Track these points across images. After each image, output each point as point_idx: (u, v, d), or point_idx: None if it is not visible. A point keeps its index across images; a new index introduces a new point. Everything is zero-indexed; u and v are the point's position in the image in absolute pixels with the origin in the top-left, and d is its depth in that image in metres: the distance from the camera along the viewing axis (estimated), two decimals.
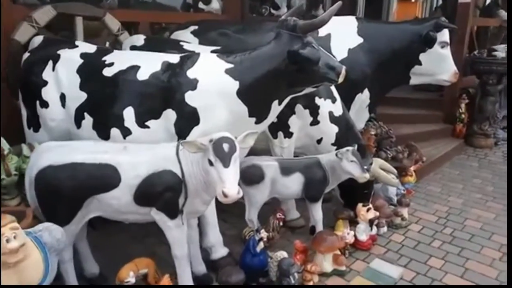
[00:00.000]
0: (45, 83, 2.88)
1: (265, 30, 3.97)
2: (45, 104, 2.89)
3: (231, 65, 2.65)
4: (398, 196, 4.04)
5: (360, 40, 3.88)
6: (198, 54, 2.76)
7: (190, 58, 2.72)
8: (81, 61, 2.85)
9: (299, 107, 3.27)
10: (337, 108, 3.42)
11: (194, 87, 2.61)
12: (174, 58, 2.75)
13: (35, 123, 2.99)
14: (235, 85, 2.61)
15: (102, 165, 2.32)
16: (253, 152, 3.70)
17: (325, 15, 2.55)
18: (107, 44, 3.97)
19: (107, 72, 2.75)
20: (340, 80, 2.75)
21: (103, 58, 2.84)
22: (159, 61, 2.73)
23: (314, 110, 3.32)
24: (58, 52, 2.90)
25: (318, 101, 3.31)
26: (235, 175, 2.17)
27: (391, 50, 3.91)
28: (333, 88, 3.42)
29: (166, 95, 2.65)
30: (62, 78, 2.84)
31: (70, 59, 2.86)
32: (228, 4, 5.11)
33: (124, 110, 2.68)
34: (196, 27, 4.10)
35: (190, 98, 2.62)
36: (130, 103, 2.68)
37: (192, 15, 4.71)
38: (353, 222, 3.41)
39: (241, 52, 2.73)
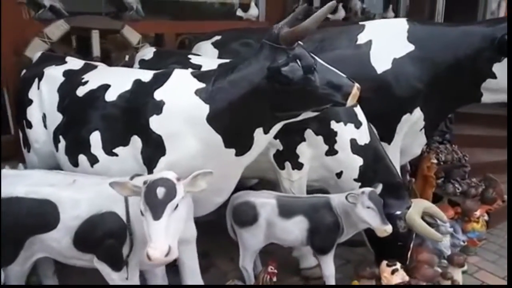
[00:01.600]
0: (30, 102, 2.74)
1: None
2: (29, 125, 2.74)
3: (202, 85, 2.17)
4: (456, 247, 3.13)
5: (410, 47, 3.07)
6: (172, 71, 2.34)
7: (162, 76, 2.32)
8: (63, 79, 2.64)
9: (309, 133, 2.65)
10: (362, 135, 2.71)
11: (159, 111, 2.20)
12: (147, 76, 2.37)
13: (27, 144, 2.87)
14: (204, 109, 2.13)
15: (43, 201, 2.03)
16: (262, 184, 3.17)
17: (309, 20, 1.95)
18: (126, 58, 3.78)
19: (80, 91, 2.49)
20: (350, 102, 2.11)
21: (82, 76, 2.59)
22: (131, 80, 2.37)
23: (330, 137, 2.67)
24: (44, 69, 2.73)
25: (334, 125, 2.64)
26: (167, 231, 1.69)
27: (453, 59, 3.02)
28: (358, 109, 2.72)
29: (131, 119, 2.28)
30: (45, 97, 2.66)
31: (53, 77, 2.67)
32: (270, 10, 4.62)
33: (91, 135, 2.37)
34: (219, 37, 3.70)
35: (155, 123, 2.21)
36: (97, 127, 2.37)
37: (226, 24, 4.33)
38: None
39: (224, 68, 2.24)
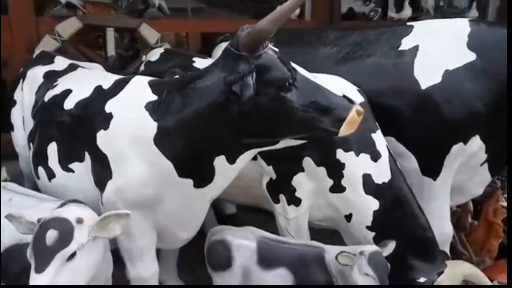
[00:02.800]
0: (14, 103, 2.56)
1: (327, 42, 2.85)
2: (12, 127, 2.57)
3: (154, 98, 1.74)
4: None
5: (470, 56, 2.31)
6: (130, 78, 1.94)
7: (119, 84, 1.93)
8: (42, 80, 2.40)
9: (308, 162, 2.07)
10: (380, 171, 2.06)
11: (107, 126, 1.82)
12: (108, 82, 2.00)
13: None
14: (151, 127, 1.70)
15: None
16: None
17: (264, 20, 1.44)
18: (143, 58, 3.51)
19: (47, 96, 2.22)
20: (344, 131, 1.54)
21: (57, 78, 2.32)
22: (92, 86, 2.03)
23: (335, 170, 2.06)
24: (29, 69, 2.53)
25: (342, 155, 2.03)
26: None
27: None
28: (377, 134, 2.07)
29: (84, 132, 1.93)
30: (25, 99, 2.45)
31: (34, 78, 2.45)
32: (317, 7, 4.03)
33: (48, 146, 2.08)
34: None
35: (101, 140, 1.84)
36: (53, 138, 2.07)
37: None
38: None
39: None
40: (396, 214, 2.05)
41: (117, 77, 2.03)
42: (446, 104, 2.28)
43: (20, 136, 2.51)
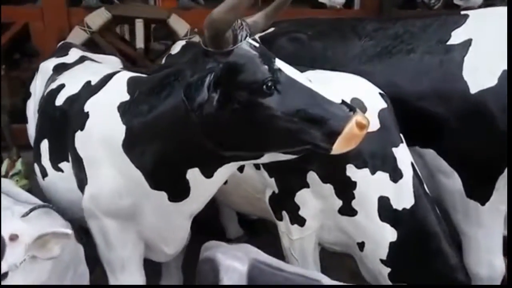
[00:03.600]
0: (29, 95, 2.54)
1: (363, 35, 2.48)
2: (26, 119, 2.55)
3: (127, 97, 1.54)
4: None
5: None
6: (116, 73, 1.76)
7: (104, 79, 1.77)
8: (51, 73, 2.34)
9: (313, 177, 1.75)
10: (401, 194, 1.68)
11: (83, 126, 1.67)
12: (97, 76, 1.85)
13: None
14: (121, 132, 1.51)
15: None
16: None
17: (220, 8, 1.15)
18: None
19: (47, 90, 2.14)
20: (339, 149, 1.25)
21: (63, 71, 2.23)
22: (83, 81, 1.89)
23: (345, 188, 1.72)
24: (44, 61, 2.48)
25: (353, 172, 1.68)
26: None
27: None
28: (400, 149, 1.69)
29: (67, 131, 1.80)
30: (37, 92, 2.41)
31: (45, 70, 2.39)
32: None
33: (41, 143, 2.00)
34: (271, 29, 2.94)
35: (78, 141, 1.70)
36: (45, 135, 1.98)
37: (298, 11, 3.48)
38: None
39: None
40: (418, 249, 1.67)
41: (108, 72, 1.87)
42: (501, 112, 1.82)
43: (31, 128, 2.48)
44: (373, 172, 1.67)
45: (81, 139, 1.66)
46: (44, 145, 1.97)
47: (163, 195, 1.55)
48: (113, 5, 3.20)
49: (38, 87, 2.39)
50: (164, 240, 1.77)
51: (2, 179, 2.09)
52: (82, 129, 1.66)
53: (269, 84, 1.25)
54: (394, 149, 1.68)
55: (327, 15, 3.54)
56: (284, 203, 1.88)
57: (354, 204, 1.71)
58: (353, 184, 1.69)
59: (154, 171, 1.49)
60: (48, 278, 1.35)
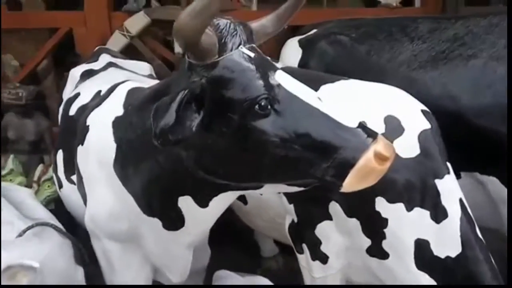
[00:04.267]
0: (61, 102, 2.53)
1: (416, 36, 2.17)
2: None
3: (122, 111, 1.39)
4: None
5: None
6: (121, 83, 1.62)
7: (109, 90, 1.64)
8: (78, 80, 2.29)
9: (336, 209, 1.47)
10: (445, 239, 1.35)
11: (83, 141, 1.55)
12: (107, 85, 1.73)
13: None
14: (112, 150, 1.36)
15: None
16: None
17: (183, 15, 0.93)
18: None
19: (66, 98, 2.08)
20: (351, 187, 1.00)
21: (87, 79, 2.17)
22: (96, 90, 1.79)
23: (373, 226, 1.42)
24: (75, 67, 2.45)
25: (383, 206, 1.38)
26: None
27: None
28: (445, 181, 1.36)
29: (74, 144, 1.71)
30: (66, 98, 2.39)
31: (73, 77, 2.35)
32: None
33: (58, 153, 1.94)
34: (313, 31, 2.67)
35: (79, 156, 1.60)
36: (61, 146, 1.92)
37: (344, 12, 3.15)
38: None
39: None
40: None
41: (117, 81, 1.74)
42: None
43: None
44: (409, 209, 1.36)
45: (81, 154, 1.56)
46: (60, 156, 1.91)
47: (158, 222, 1.38)
48: (153, 9, 3.14)
49: (67, 94, 2.37)
50: (167, 268, 1.61)
51: (22, 188, 2.08)
52: (82, 144, 1.55)
53: (263, 103, 1.01)
54: (437, 181, 1.35)
55: (381, 14, 3.17)
56: (304, 234, 1.62)
57: (385, 245, 1.41)
58: (384, 221, 1.39)
59: (144, 197, 1.32)
60: None
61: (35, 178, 2.56)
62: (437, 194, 1.35)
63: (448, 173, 1.37)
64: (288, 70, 2.06)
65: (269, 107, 1.02)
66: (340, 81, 1.68)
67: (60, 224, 1.83)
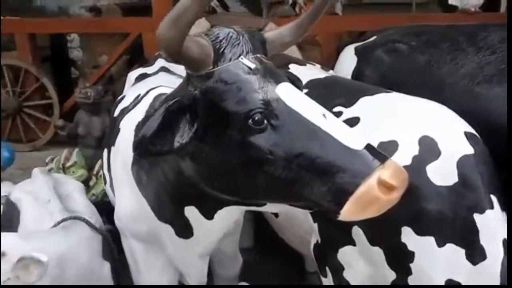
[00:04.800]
0: None
1: (484, 46, 1.95)
2: None
3: (142, 116, 1.42)
4: None
5: None
6: (154, 88, 1.65)
7: (144, 95, 1.68)
8: (133, 83, 2.41)
9: (359, 235, 1.34)
10: (482, 282, 1.14)
11: (114, 142, 1.62)
12: (147, 89, 1.78)
13: None
14: (131, 153, 1.38)
15: None
16: None
17: (161, 24, 0.88)
18: None
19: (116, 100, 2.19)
20: (350, 216, 0.93)
21: (139, 82, 2.27)
22: (137, 93, 1.86)
23: (397, 258, 1.27)
24: (132, 71, 2.58)
25: (410, 238, 1.23)
26: None
27: None
28: (487, 217, 1.16)
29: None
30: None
31: (130, 80, 2.48)
32: None
33: (104, 152, 2.05)
34: (373, 38, 2.51)
35: (111, 157, 1.66)
36: (106, 144, 2.02)
37: (416, 17, 2.88)
38: None
39: None
40: None
41: (156, 86, 1.79)
42: None
43: None
44: (440, 244, 1.19)
45: (112, 155, 1.62)
46: (105, 154, 2.01)
47: (170, 229, 1.38)
48: (213, 15, 3.20)
49: (131, 95, 2.50)
50: (185, 273, 1.61)
51: (72, 181, 2.23)
52: (113, 145, 1.61)
53: (257, 118, 0.95)
54: (476, 216, 1.16)
55: (457, 20, 2.86)
56: (327, 257, 1.51)
57: (412, 281, 1.25)
58: (410, 255, 1.23)
59: (155, 202, 1.33)
60: None
61: (95, 172, 2.76)
62: (476, 231, 1.16)
63: (492, 208, 1.17)
64: (330, 79, 1.97)
65: (265, 122, 0.96)
66: (380, 94, 1.54)
67: (100, 219, 1.94)
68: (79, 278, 1.47)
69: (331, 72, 2.30)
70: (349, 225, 1.36)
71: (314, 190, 0.93)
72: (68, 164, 2.73)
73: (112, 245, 1.74)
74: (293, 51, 3.12)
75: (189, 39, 0.96)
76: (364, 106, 1.51)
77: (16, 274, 1.22)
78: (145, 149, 0.96)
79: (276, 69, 1.09)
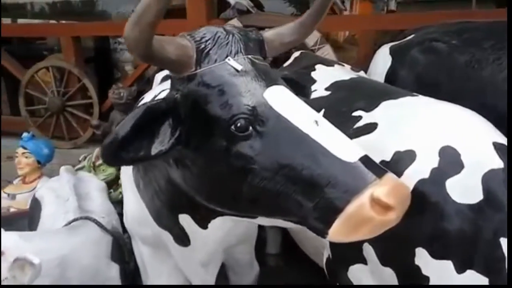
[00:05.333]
0: None
1: None
2: None
3: None
4: None
5: None
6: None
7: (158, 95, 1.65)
8: (159, 83, 2.41)
9: (370, 253, 1.21)
10: None
11: None
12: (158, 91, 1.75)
13: None
14: None
15: None
16: None
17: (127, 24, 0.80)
18: None
19: None
20: (338, 236, 0.85)
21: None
22: (153, 94, 1.84)
23: (410, 281, 1.13)
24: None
25: (424, 261, 1.09)
26: None
27: None
28: None
29: None
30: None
31: (156, 80, 2.48)
32: None
33: None
34: (411, 36, 2.33)
35: None
36: None
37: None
38: None
39: None
40: None
41: None
42: None
43: None
44: (459, 270, 1.03)
45: None
46: None
47: (169, 236, 1.33)
48: (246, 16, 3.14)
49: (148, 97, 2.51)
50: (190, 281, 1.56)
51: (94, 179, 2.26)
52: None
53: (239, 124, 0.87)
54: (503, 241, 1.00)
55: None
56: (337, 274, 1.39)
57: None
58: (424, 280, 1.08)
59: (152, 208, 1.28)
60: None
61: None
62: (501, 257, 0.99)
63: None
64: (355, 80, 1.83)
65: (250, 128, 0.87)
66: (404, 98, 1.40)
67: (117, 219, 1.95)
68: (82, 279, 1.47)
69: (361, 73, 2.16)
70: (359, 242, 1.23)
71: (301, 206, 0.83)
72: (98, 163, 2.79)
73: (124, 247, 1.73)
74: (327, 51, 3.00)
75: (165, 40, 0.90)
76: (385, 111, 1.37)
77: (13, 274, 1.23)
78: (114, 153, 0.89)
79: (271, 71, 1.00)
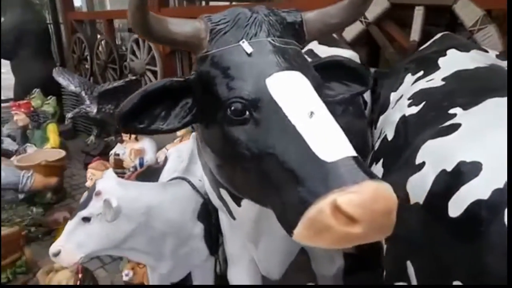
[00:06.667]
0: None
1: None
2: None
3: None
4: None
5: None
6: None
7: None
8: None
9: (411, 275, 1.04)
10: None
11: None
12: None
13: None
14: None
15: None
16: None
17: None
18: None
19: None
20: (303, 238, 0.85)
21: None
22: None
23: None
24: None
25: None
26: (69, 235, 1.52)
27: None
28: None
29: None
30: None
31: None
32: None
33: None
34: None
35: None
36: None
37: None
38: None
39: None
40: None
41: None
42: None
43: None
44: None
45: None
46: None
47: (223, 207, 1.40)
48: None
49: None
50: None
51: None
52: None
53: (234, 108, 0.85)
54: None
55: None
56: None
57: None
58: None
59: (209, 179, 1.37)
60: (125, 237, 1.56)
61: None
62: None
63: None
64: (477, 71, 1.51)
65: (246, 113, 0.85)
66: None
67: None
68: (165, 230, 1.68)
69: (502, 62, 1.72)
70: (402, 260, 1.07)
71: (276, 200, 0.78)
72: None
73: (212, 210, 1.88)
74: (491, 32, 2.48)
75: (172, 22, 0.93)
76: (478, 111, 1.12)
77: (103, 211, 1.51)
78: (125, 119, 0.93)
79: (293, 55, 0.93)
